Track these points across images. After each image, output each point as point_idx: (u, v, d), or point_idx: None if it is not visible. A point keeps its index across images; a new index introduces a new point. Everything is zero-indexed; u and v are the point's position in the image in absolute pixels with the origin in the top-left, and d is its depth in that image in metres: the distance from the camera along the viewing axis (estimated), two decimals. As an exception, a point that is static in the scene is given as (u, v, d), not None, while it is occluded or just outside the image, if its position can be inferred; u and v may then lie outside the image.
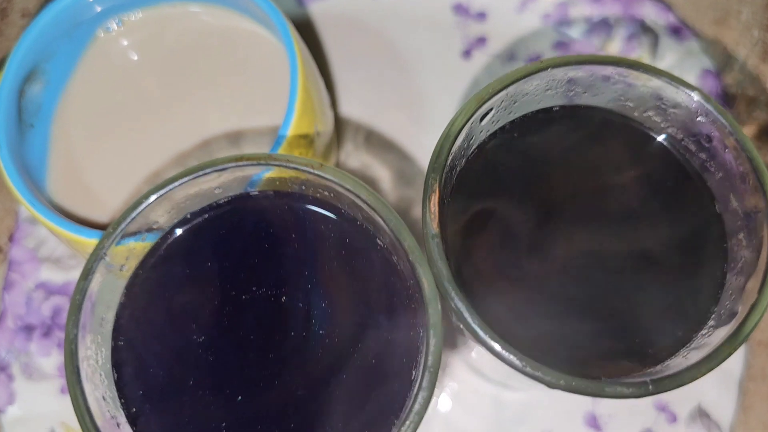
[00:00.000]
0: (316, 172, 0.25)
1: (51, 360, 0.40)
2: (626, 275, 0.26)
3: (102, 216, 0.34)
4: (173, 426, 0.26)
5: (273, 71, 0.35)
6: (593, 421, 0.39)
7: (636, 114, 0.29)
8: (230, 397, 0.25)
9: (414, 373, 0.25)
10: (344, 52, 0.44)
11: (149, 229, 0.26)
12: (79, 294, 0.25)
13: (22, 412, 0.39)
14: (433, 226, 0.25)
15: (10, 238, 0.44)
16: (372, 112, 0.43)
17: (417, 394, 0.23)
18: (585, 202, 0.28)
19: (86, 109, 0.36)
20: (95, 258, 0.25)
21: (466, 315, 0.24)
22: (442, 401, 0.40)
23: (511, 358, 0.23)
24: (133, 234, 0.26)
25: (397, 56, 0.44)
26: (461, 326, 0.25)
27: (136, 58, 0.37)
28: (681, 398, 0.39)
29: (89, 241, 0.30)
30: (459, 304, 0.24)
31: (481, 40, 0.44)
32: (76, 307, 0.24)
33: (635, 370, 0.25)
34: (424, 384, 0.23)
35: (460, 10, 0.45)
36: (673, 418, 0.39)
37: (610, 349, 0.26)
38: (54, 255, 0.42)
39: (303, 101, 0.30)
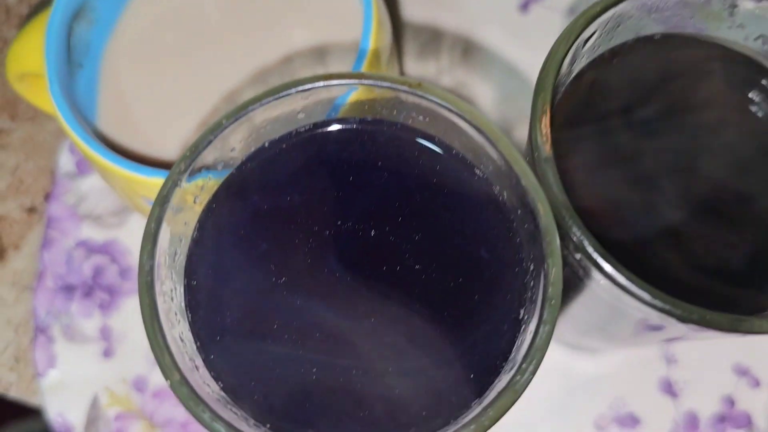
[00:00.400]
0: (415, 91, 0.23)
1: (93, 321, 0.38)
2: (750, 205, 0.24)
3: (155, 156, 0.32)
4: (253, 373, 0.23)
5: (343, 19, 0.33)
6: (668, 387, 0.37)
7: (747, 46, 0.26)
8: (316, 342, 0.23)
9: (522, 312, 0.23)
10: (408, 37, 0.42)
11: (225, 157, 0.24)
12: (154, 222, 0.22)
13: (63, 376, 0.37)
14: (546, 148, 0.22)
15: (46, 198, 0.42)
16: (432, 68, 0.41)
17: (538, 329, 0.21)
18: (690, 128, 0.26)
19: (137, 48, 0.33)
20: (171, 185, 0.23)
21: (587, 244, 0.21)
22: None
23: (640, 291, 0.21)
24: (209, 163, 0.24)
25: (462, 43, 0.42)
26: (577, 258, 0.22)
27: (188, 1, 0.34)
28: (764, 362, 0.37)
29: (145, 179, 0.28)
30: (578, 231, 0.22)
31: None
32: (151, 236, 0.22)
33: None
34: (545, 317, 0.21)
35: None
36: (755, 383, 0.37)
37: (741, 282, 0.23)
38: (95, 212, 0.39)
39: (378, 17, 0.28)
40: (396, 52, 0.35)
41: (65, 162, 0.40)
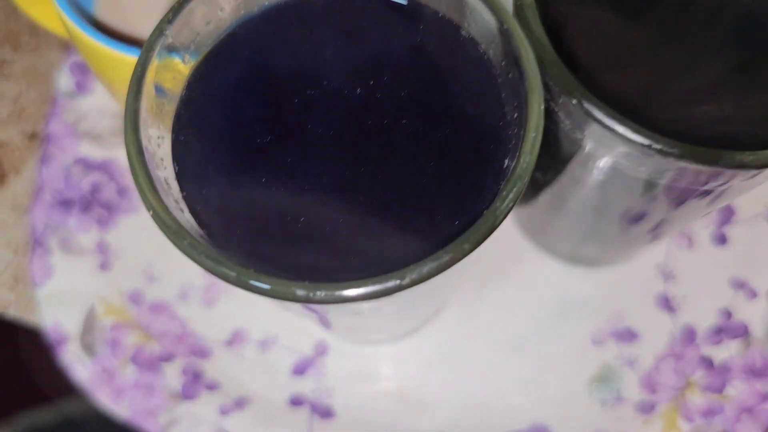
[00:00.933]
0: None
1: (90, 236, 0.38)
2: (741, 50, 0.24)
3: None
4: (236, 222, 0.23)
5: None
6: (665, 303, 0.37)
7: None
8: (302, 193, 0.23)
9: (507, 160, 0.23)
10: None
11: (215, 18, 0.24)
12: (140, 66, 0.22)
13: (60, 286, 0.37)
14: None
15: (47, 124, 0.42)
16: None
17: (519, 158, 0.21)
18: None
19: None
20: (157, 33, 0.23)
21: (574, 88, 0.22)
22: (502, 283, 0.38)
23: (619, 125, 0.21)
24: (198, 23, 0.24)
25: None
26: (567, 108, 0.22)
27: None
28: (761, 273, 0.37)
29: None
30: (557, 71, 0.22)
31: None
32: (137, 78, 0.22)
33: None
34: (526, 147, 0.21)
35: None
36: (752, 294, 0.36)
37: (732, 131, 0.23)
38: (95, 131, 0.40)
39: None
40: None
41: (65, 82, 0.40)
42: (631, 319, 0.37)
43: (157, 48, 0.23)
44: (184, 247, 0.20)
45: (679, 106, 0.23)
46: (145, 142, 0.22)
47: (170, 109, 0.24)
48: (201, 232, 0.23)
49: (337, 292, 0.19)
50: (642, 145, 0.21)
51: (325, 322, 0.32)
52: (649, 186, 0.24)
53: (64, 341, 0.36)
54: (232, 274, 0.20)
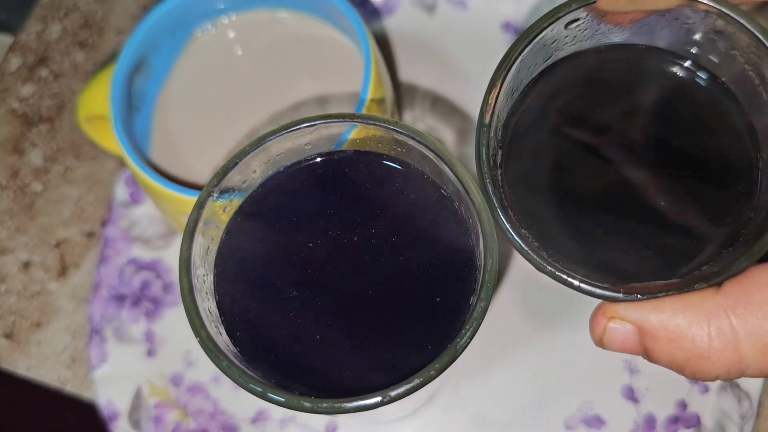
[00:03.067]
0: (394, 127, 0.30)
1: (139, 326, 0.45)
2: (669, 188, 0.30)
3: (195, 180, 0.39)
4: (264, 341, 0.30)
5: (349, 73, 0.41)
6: (630, 394, 0.43)
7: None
8: (315, 319, 0.29)
9: (473, 298, 0.29)
10: (405, 63, 0.49)
11: (248, 178, 0.31)
12: (192, 222, 0.29)
13: (113, 370, 0.44)
14: (486, 116, 0.27)
15: (103, 224, 0.50)
16: (429, 120, 0.48)
17: (477, 304, 0.27)
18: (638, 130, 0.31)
19: (183, 95, 0.41)
20: (206, 194, 0.30)
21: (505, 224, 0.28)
22: (487, 373, 0.44)
23: (566, 278, 0.27)
24: (236, 182, 0.30)
25: (452, 68, 0.49)
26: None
27: (227, 56, 0.42)
28: (712, 371, 0.43)
29: (187, 198, 0.35)
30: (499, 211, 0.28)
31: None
32: (190, 232, 0.29)
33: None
34: (482, 295, 0.27)
35: (509, 28, 0.50)
36: (705, 389, 0.42)
37: (658, 263, 0.29)
38: (144, 235, 0.47)
39: (376, 73, 0.36)
40: (396, 105, 0.42)
41: (121, 193, 0.47)
42: (600, 407, 0.43)
43: (206, 205, 0.30)
44: (223, 366, 0.26)
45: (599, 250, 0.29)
46: (194, 281, 0.29)
47: (213, 250, 0.31)
48: (234, 349, 0.29)
49: (336, 405, 0.26)
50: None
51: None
52: None
53: (115, 417, 0.43)
54: (258, 389, 0.26)
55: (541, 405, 0.43)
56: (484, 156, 0.28)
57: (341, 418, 0.44)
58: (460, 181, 0.29)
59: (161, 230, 0.47)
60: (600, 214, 0.30)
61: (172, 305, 0.46)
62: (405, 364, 0.28)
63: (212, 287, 0.30)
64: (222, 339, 0.29)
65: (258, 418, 0.43)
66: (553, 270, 0.26)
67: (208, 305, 0.29)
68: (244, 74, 0.42)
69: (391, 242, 0.31)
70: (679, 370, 0.25)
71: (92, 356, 0.44)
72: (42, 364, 0.47)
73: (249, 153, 0.30)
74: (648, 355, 0.26)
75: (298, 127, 0.30)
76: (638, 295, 0.25)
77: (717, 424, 0.41)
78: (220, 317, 0.30)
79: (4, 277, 0.49)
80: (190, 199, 0.35)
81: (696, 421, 0.42)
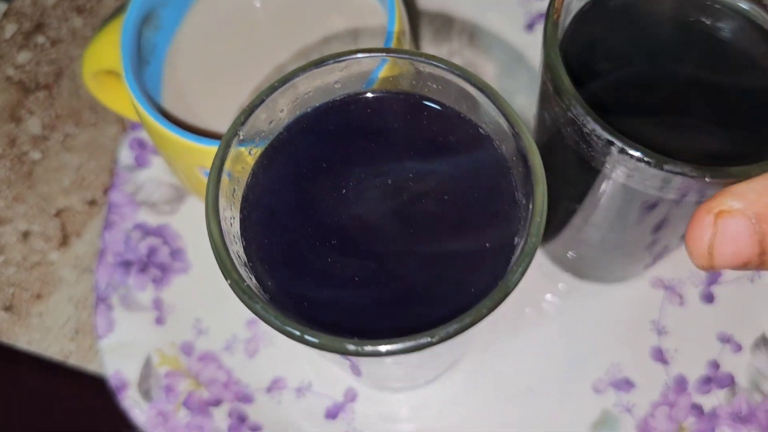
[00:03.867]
0: (431, 61, 0.28)
1: (146, 294, 0.43)
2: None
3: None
4: (292, 286, 0.28)
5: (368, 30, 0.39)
6: (659, 355, 0.41)
7: None
8: (348, 260, 0.28)
9: (516, 238, 0.27)
10: (425, 24, 0.48)
11: (275, 117, 0.29)
12: (219, 160, 0.27)
13: (120, 339, 0.42)
14: (554, 17, 0.27)
15: (106, 192, 0.48)
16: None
17: (527, 240, 0.25)
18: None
19: (194, 48, 0.39)
20: (232, 132, 0.28)
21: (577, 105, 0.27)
22: (512, 340, 0.42)
23: (629, 147, 0.26)
24: (261, 124, 0.29)
25: (469, 29, 0.48)
26: (583, 130, 0.27)
27: (243, 6, 0.40)
28: (745, 328, 0.41)
29: (203, 147, 0.33)
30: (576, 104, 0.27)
31: (542, 15, 0.48)
32: (216, 170, 0.27)
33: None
34: (532, 231, 0.25)
35: (524, -14, 0.48)
36: (738, 348, 0.41)
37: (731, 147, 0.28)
38: (150, 200, 0.45)
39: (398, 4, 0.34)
40: (413, 39, 0.41)
41: (125, 156, 0.45)
42: (629, 370, 0.41)
43: (233, 144, 0.28)
44: (257, 309, 0.25)
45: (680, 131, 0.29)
46: (223, 224, 0.27)
47: (239, 192, 0.29)
48: (264, 295, 0.27)
49: (381, 346, 0.24)
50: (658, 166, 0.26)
51: (356, 371, 0.37)
52: (662, 200, 0.29)
53: (124, 387, 0.41)
54: (296, 332, 0.24)
55: (569, 369, 0.41)
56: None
57: (360, 386, 0.42)
58: (505, 116, 0.27)
59: (168, 194, 0.45)
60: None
61: (181, 272, 0.44)
62: (447, 307, 0.27)
63: (239, 231, 0.29)
64: (252, 284, 0.27)
65: (273, 387, 0.42)
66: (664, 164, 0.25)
67: (235, 249, 0.28)
68: (264, 21, 0.40)
69: (427, 183, 0.29)
70: None
71: (98, 325, 0.42)
72: (44, 337, 0.45)
73: (277, 89, 0.28)
74: (765, 245, 0.20)
75: (326, 63, 0.29)
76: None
77: (752, 384, 0.40)
78: (248, 263, 0.28)
79: (2, 247, 0.47)
80: (208, 148, 0.33)
81: (730, 381, 0.40)
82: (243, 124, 0.28)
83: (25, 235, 0.47)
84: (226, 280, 0.25)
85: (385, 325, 0.27)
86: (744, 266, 0.21)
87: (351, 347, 0.24)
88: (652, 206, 0.31)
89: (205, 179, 0.36)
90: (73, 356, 0.44)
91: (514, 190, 0.28)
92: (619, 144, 0.28)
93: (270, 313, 0.24)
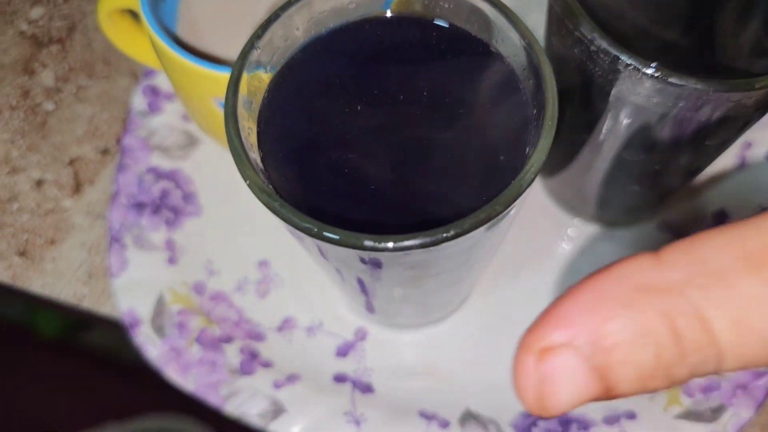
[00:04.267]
0: None
1: (159, 234, 0.43)
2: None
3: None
4: (310, 194, 0.28)
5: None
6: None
7: None
8: (363, 166, 0.28)
9: (528, 148, 0.28)
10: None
11: (291, 35, 0.30)
12: (237, 69, 0.28)
13: (134, 277, 0.42)
14: None
15: (118, 141, 0.48)
16: None
17: (538, 141, 0.26)
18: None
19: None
20: (250, 46, 0.28)
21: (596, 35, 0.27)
22: (519, 276, 0.43)
23: (650, 70, 0.27)
24: (277, 40, 0.29)
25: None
26: (590, 49, 0.28)
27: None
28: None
29: (218, 74, 0.34)
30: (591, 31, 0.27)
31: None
32: (234, 80, 0.28)
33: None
34: (544, 133, 0.26)
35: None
36: None
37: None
38: (164, 144, 0.45)
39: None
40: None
41: (138, 102, 0.46)
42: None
43: (250, 57, 0.28)
44: (275, 207, 0.25)
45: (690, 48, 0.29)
46: (241, 131, 0.27)
47: (256, 106, 0.30)
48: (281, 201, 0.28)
49: (400, 242, 0.24)
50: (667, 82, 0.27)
51: (370, 307, 0.37)
52: (666, 119, 0.30)
53: (137, 324, 0.41)
54: (313, 228, 0.25)
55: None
56: None
57: (370, 326, 0.42)
58: (516, 29, 0.28)
59: (181, 140, 0.46)
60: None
61: (193, 215, 0.44)
62: (461, 210, 0.27)
63: (256, 143, 0.29)
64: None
65: (284, 327, 0.42)
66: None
67: (253, 156, 0.28)
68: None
69: (440, 98, 0.30)
70: (649, 382, 0.16)
71: (112, 264, 0.42)
72: (57, 281, 0.46)
73: (292, 5, 0.29)
74: (608, 378, 0.16)
75: None
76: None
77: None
78: (265, 171, 0.29)
79: (16, 195, 0.48)
80: (223, 75, 0.34)
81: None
82: (260, 37, 0.29)
83: (39, 183, 0.48)
84: (245, 180, 0.26)
85: (400, 230, 0.28)
86: (592, 402, 0.16)
87: (368, 243, 0.24)
88: (657, 125, 0.31)
89: (219, 112, 0.37)
90: (87, 300, 0.45)
91: (526, 103, 0.29)
92: (625, 58, 0.28)
93: (288, 210, 0.25)
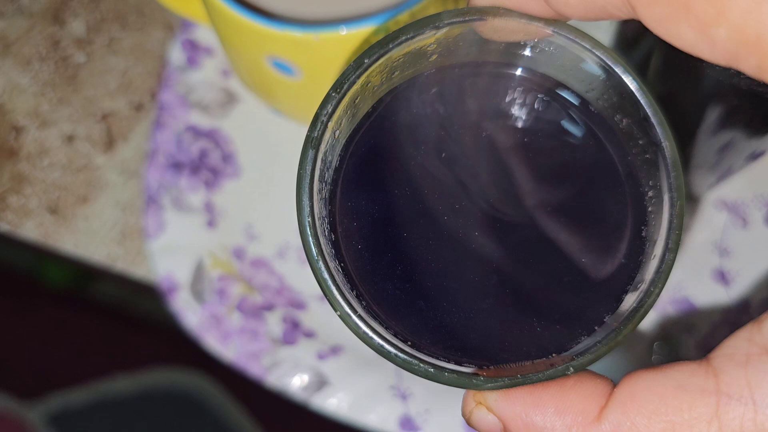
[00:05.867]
0: (552, 28, 0.22)
1: (198, 196, 0.42)
2: None
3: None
4: (387, 298, 0.24)
5: None
6: (721, 276, 0.40)
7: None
8: (451, 274, 0.24)
9: (647, 245, 0.23)
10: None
11: (367, 87, 0.24)
12: (319, 127, 0.22)
13: (171, 240, 0.41)
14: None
15: (152, 96, 0.46)
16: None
17: (665, 255, 0.21)
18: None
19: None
20: (323, 112, 0.22)
21: None
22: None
23: None
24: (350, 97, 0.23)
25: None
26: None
27: None
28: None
29: (275, 32, 0.32)
30: None
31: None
32: (317, 139, 0.22)
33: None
34: (671, 245, 0.21)
35: None
36: (802, 277, 0.40)
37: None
38: (203, 102, 0.44)
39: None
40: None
41: (176, 57, 0.44)
42: (689, 289, 0.40)
43: (322, 146, 0.22)
44: (375, 345, 0.21)
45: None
46: (322, 240, 0.22)
47: (326, 190, 0.24)
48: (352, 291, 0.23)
49: (496, 384, 0.20)
50: None
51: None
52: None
53: (175, 289, 0.40)
54: (423, 368, 0.21)
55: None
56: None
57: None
58: (636, 97, 0.22)
59: (220, 97, 0.44)
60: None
61: (232, 176, 0.43)
62: (556, 338, 0.23)
63: (329, 233, 0.24)
64: (340, 278, 0.22)
65: (326, 295, 0.41)
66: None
67: (321, 214, 0.23)
68: None
69: (537, 175, 0.24)
70: None
71: (149, 225, 0.41)
72: (90, 240, 0.44)
73: (369, 60, 0.22)
74: None
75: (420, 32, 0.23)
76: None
77: (819, 305, 0.39)
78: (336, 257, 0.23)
79: (46, 150, 0.46)
80: (280, 33, 0.32)
81: (795, 303, 0.39)
82: (336, 98, 0.22)
83: (70, 138, 0.46)
84: (335, 311, 0.21)
85: (501, 347, 0.24)
86: None
87: (475, 381, 0.21)
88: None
89: (273, 71, 0.35)
90: (121, 260, 0.44)
91: (637, 181, 0.24)
92: None
93: (390, 349, 0.21)
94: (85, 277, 0.95)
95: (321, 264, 0.21)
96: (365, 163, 0.24)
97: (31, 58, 0.48)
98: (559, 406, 0.20)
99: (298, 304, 0.40)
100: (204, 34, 0.45)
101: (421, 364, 0.21)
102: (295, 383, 0.38)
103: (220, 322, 0.39)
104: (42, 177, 0.45)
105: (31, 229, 0.44)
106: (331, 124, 0.22)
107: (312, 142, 0.22)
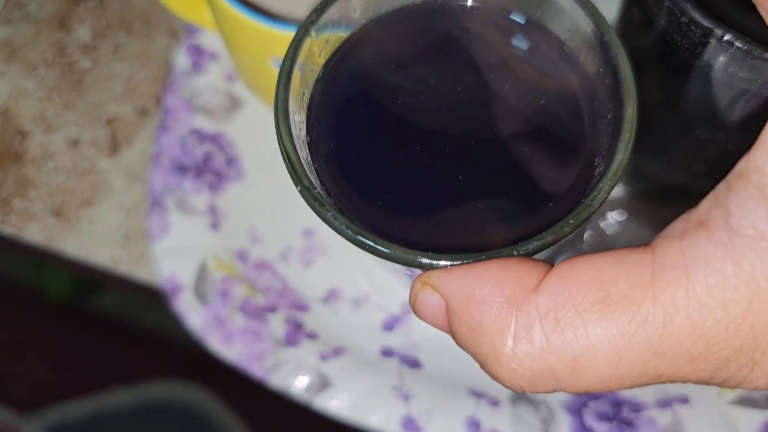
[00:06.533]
0: None
1: (202, 198, 0.42)
2: None
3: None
4: (358, 190, 0.26)
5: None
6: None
7: None
8: (423, 171, 0.26)
9: (597, 159, 0.25)
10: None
11: (347, 17, 0.27)
12: (289, 61, 0.25)
13: (175, 242, 0.41)
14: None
15: (157, 101, 0.47)
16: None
17: (613, 158, 0.23)
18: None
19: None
20: (303, 32, 0.25)
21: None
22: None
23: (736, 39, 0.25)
24: (334, 20, 0.26)
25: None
26: (680, 20, 0.26)
27: None
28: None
29: (280, 33, 0.32)
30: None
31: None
32: (287, 72, 0.25)
33: None
34: (620, 147, 0.23)
35: None
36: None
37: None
38: (207, 106, 0.44)
39: None
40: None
41: (182, 62, 0.44)
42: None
43: (304, 44, 0.25)
44: (327, 217, 0.23)
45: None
46: (292, 127, 0.24)
47: (307, 96, 0.27)
48: (329, 200, 0.25)
49: (458, 261, 0.21)
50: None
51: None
52: (749, 95, 0.28)
53: (179, 290, 0.40)
54: (367, 242, 0.22)
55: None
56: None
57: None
58: (594, 23, 0.25)
59: (224, 102, 0.44)
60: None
61: (236, 179, 0.43)
62: (523, 224, 0.25)
63: (305, 132, 0.26)
64: (320, 190, 0.24)
65: (329, 297, 0.41)
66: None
67: (303, 155, 0.25)
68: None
69: (503, 93, 0.27)
70: (481, 365, 0.21)
71: (153, 227, 0.41)
72: (94, 243, 0.44)
73: None
74: (453, 338, 0.22)
75: None
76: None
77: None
78: (314, 164, 0.26)
79: (51, 154, 0.47)
80: (283, 34, 0.32)
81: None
82: (314, 23, 0.26)
83: (75, 142, 0.47)
84: (296, 186, 0.23)
85: (456, 238, 0.25)
86: (444, 332, 0.22)
87: (425, 260, 0.22)
88: (738, 101, 0.30)
89: (276, 72, 0.36)
90: (124, 263, 0.44)
91: (600, 106, 0.26)
92: (719, 32, 0.27)
93: (341, 222, 0.22)
94: (84, 289, 0.95)
95: (287, 143, 0.24)
96: (341, 76, 0.27)
97: (37, 63, 0.49)
98: (498, 279, 0.20)
99: (301, 306, 0.40)
100: (209, 40, 0.45)
101: (371, 242, 0.22)
102: (298, 384, 0.38)
103: (223, 324, 0.39)
104: (46, 180, 0.46)
105: (35, 233, 0.45)
106: (313, 35, 0.26)
107: (297, 44, 0.25)
